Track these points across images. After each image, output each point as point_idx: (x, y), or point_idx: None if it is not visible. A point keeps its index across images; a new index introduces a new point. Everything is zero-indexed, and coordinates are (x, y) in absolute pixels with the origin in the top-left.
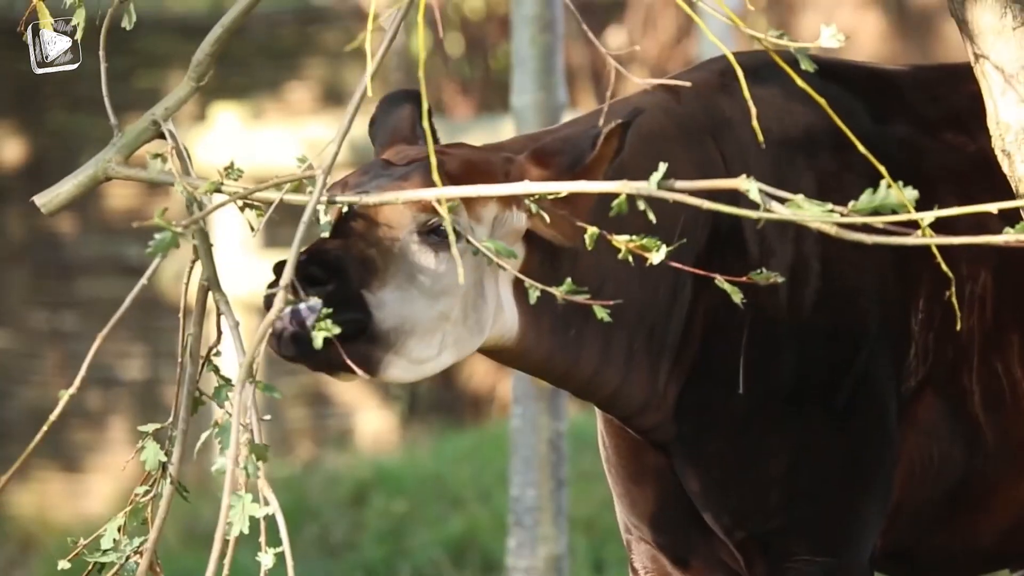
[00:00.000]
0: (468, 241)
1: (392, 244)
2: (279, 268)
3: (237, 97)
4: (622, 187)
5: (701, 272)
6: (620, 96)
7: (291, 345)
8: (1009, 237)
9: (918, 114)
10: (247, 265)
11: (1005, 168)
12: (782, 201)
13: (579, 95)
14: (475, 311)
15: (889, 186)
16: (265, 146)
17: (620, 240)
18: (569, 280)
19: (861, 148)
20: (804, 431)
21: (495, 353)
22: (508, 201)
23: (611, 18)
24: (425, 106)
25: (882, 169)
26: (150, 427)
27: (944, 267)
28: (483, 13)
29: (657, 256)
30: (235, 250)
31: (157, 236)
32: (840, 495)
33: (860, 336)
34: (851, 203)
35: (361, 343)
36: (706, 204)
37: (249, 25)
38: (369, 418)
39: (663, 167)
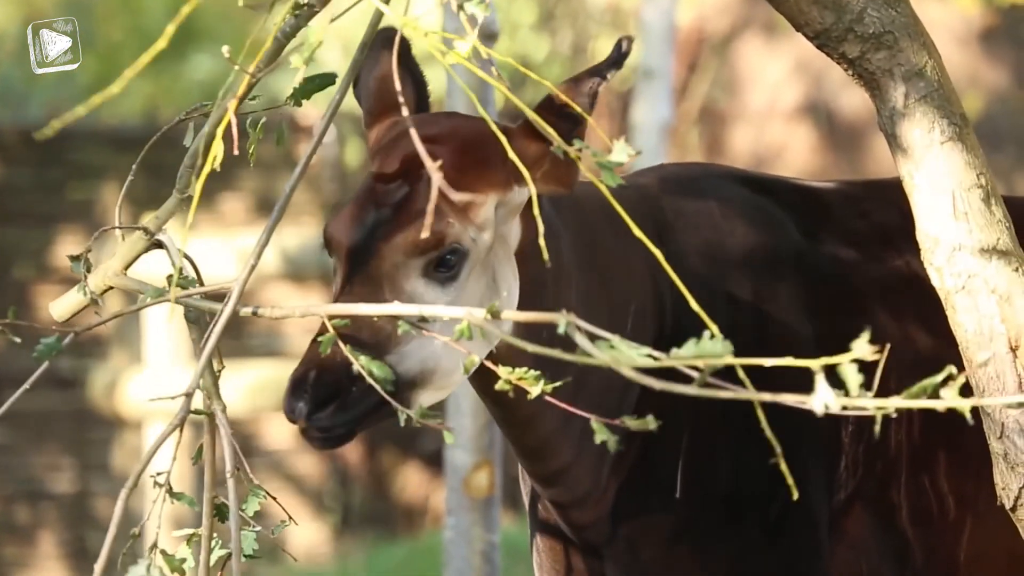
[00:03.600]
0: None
1: (400, 299)
2: (298, 384)
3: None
4: (466, 314)
5: (579, 412)
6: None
7: (327, 444)
8: (818, 399)
9: (846, 229)
10: (176, 376)
11: (935, 282)
12: (594, 340)
13: None
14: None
15: (712, 336)
16: (196, 256)
17: (503, 371)
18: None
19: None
20: (739, 542)
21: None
22: (508, 184)
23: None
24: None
25: (689, 297)
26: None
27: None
28: None
29: (536, 390)
30: (165, 361)
31: (43, 340)
32: None
33: (794, 447)
34: (673, 351)
35: (387, 405)
36: (530, 347)
37: (179, 136)
38: (302, 531)
39: (506, 298)
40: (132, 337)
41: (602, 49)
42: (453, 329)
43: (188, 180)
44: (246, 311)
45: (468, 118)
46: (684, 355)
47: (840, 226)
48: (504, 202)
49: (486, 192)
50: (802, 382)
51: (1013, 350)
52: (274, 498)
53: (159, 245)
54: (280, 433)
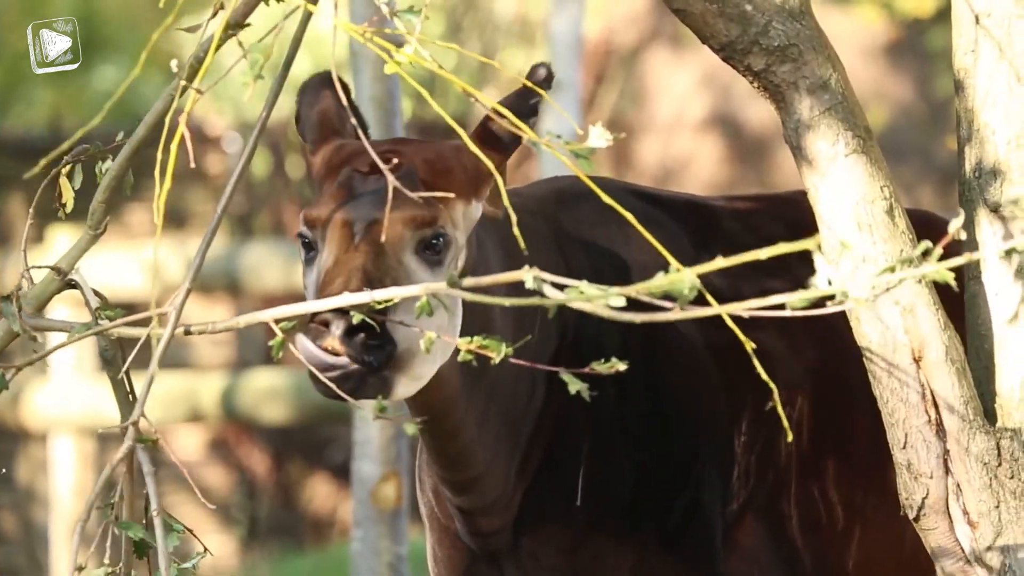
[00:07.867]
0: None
1: (398, 269)
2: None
3: (74, 219)
4: (423, 289)
5: (548, 368)
6: None
7: (344, 384)
8: (794, 298)
9: (736, 242)
10: (80, 387)
11: None
12: (563, 288)
13: None
14: (453, 316)
15: (678, 269)
16: (104, 268)
17: (462, 342)
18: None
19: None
20: (639, 551)
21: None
22: (468, 196)
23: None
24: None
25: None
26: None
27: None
28: None
29: (498, 356)
30: (68, 373)
31: None
32: None
33: (691, 456)
34: (640, 284)
35: (384, 370)
36: (508, 302)
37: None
38: (208, 542)
39: (462, 264)
40: (36, 348)
41: (509, 61)
42: (435, 309)
43: (100, 217)
44: (179, 331)
45: (420, 140)
46: (655, 285)
47: (730, 239)
48: (466, 213)
49: (455, 194)
50: (698, 395)
51: (916, 361)
52: (191, 531)
53: (72, 285)
54: (188, 444)
